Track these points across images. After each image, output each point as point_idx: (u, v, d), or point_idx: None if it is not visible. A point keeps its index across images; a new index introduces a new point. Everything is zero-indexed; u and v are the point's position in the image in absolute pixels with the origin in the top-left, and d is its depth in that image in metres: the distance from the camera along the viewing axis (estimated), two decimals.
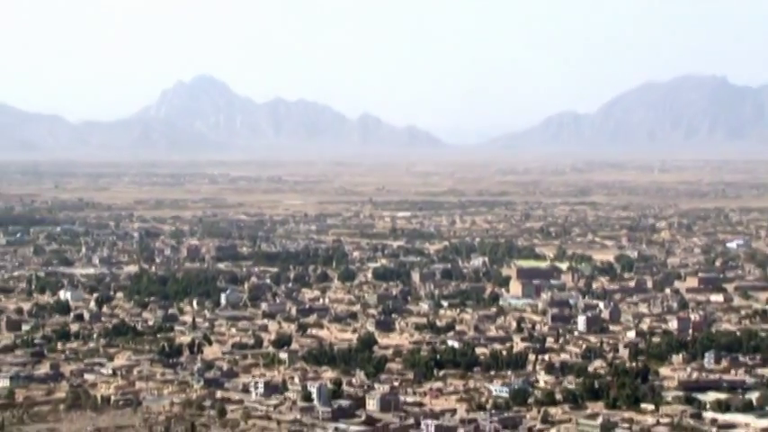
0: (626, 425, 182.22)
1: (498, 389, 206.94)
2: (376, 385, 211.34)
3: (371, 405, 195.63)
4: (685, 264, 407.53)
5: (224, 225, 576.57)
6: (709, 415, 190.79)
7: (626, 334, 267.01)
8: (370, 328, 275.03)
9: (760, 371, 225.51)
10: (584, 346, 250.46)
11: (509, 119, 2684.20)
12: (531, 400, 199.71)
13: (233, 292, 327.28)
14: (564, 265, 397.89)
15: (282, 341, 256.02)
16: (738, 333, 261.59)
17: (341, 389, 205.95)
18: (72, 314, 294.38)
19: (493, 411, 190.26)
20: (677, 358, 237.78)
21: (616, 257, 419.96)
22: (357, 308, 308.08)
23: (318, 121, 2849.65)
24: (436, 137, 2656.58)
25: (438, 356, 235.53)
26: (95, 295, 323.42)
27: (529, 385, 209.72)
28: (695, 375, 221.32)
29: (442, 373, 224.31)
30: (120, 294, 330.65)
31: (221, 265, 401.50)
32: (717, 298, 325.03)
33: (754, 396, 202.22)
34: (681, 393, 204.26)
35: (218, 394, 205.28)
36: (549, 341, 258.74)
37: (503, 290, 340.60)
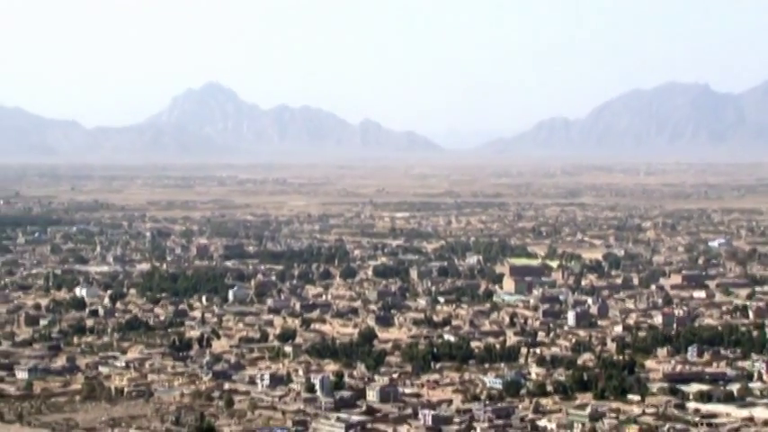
0: (613, 415, 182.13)
1: (492, 380, 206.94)
2: (376, 377, 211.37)
3: (372, 396, 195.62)
4: (670, 262, 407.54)
5: (231, 225, 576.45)
6: (692, 405, 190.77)
7: (613, 328, 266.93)
8: (371, 322, 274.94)
9: (740, 363, 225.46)
10: (573, 340, 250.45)
11: (502, 124, 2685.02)
12: (523, 392, 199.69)
13: (240, 289, 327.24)
14: (554, 263, 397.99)
15: (287, 335, 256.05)
16: (720, 328, 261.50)
17: (343, 381, 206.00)
18: (87, 310, 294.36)
19: (487, 402, 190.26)
20: (662, 351, 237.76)
21: (604, 256, 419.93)
22: (358, 304, 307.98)
23: (321, 126, 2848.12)
24: (433, 141, 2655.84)
25: (435, 350, 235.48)
26: (109, 292, 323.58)
27: (521, 377, 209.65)
28: (679, 368, 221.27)
29: (438, 365, 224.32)
30: (132, 291, 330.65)
31: (229, 263, 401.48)
32: (699, 294, 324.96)
33: (735, 387, 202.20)
34: (665, 385, 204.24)
35: (226, 386, 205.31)
36: (541, 335, 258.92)
37: (496, 286, 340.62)
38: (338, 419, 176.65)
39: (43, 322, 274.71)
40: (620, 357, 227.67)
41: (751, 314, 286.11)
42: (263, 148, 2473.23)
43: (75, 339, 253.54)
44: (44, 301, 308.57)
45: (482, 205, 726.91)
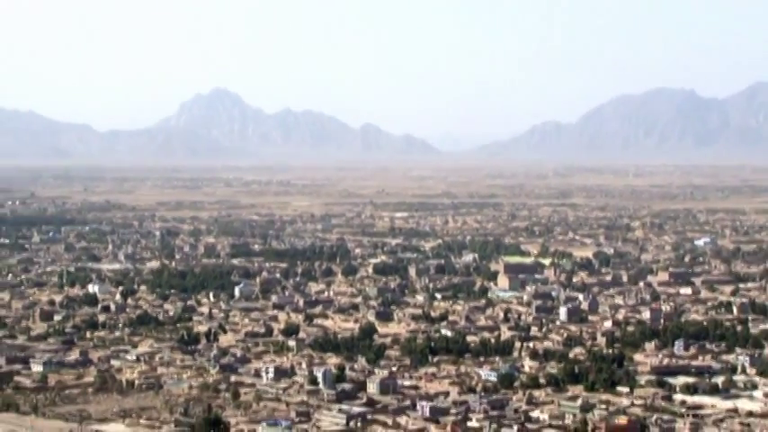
0: (603, 406, 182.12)
1: (487, 373, 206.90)
2: (376, 370, 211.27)
3: (372, 388, 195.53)
4: (657, 260, 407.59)
5: (238, 224, 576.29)
6: (678, 397, 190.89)
7: (603, 323, 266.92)
8: (371, 318, 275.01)
9: (725, 357, 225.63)
10: (565, 335, 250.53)
11: (497, 128, 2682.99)
12: (517, 384, 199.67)
13: (246, 286, 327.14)
14: (547, 261, 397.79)
15: (291, 330, 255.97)
16: (705, 323, 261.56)
17: (344, 373, 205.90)
18: (99, 306, 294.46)
19: (482, 394, 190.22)
20: (650, 345, 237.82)
21: (594, 254, 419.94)
22: (359, 300, 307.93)
23: (324, 130, 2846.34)
24: (431, 144, 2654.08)
25: (432, 344, 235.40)
26: (121, 288, 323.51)
27: (515, 370, 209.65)
28: (666, 361, 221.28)
29: (436, 359, 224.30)
30: (143, 288, 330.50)
31: (235, 261, 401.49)
32: (686, 291, 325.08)
33: (719, 380, 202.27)
34: (653, 377, 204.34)
35: (233, 378, 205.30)
36: (534, 330, 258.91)
37: (491, 283, 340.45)
38: (340, 411, 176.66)
39: (57, 317, 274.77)
40: (610, 351, 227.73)
41: (735, 310, 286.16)
42: (268, 151, 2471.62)
43: (88, 334, 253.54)
44: (58, 298, 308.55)
45: (477, 206, 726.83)
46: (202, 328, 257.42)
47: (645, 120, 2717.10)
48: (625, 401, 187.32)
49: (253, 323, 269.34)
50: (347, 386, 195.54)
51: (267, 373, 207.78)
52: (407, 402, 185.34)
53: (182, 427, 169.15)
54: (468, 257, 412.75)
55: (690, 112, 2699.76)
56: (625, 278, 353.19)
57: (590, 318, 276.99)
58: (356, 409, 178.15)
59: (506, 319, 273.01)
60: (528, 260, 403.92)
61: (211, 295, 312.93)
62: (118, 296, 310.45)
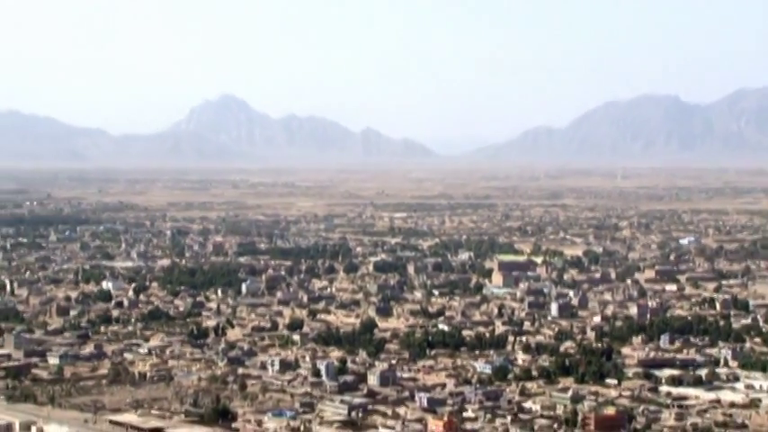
0: (592, 397, 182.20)
1: (482, 366, 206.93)
2: (376, 363, 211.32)
3: (372, 380, 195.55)
4: (644, 258, 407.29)
5: (244, 224, 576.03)
6: (664, 389, 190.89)
7: (592, 318, 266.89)
8: (371, 313, 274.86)
9: (708, 351, 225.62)
10: (556, 329, 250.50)
11: (492, 132, 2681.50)
12: (510, 376, 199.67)
13: (252, 283, 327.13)
14: (539, 259, 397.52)
15: (295, 325, 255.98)
16: (690, 318, 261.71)
17: (346, 366, 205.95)
18: (113, 301, 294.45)
19: (477, 385, 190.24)
20: (637, 339, 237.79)
21: (584, 252, 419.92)
22: (360, 296, 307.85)
23: (326, 134, 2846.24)
24: (429, 148, 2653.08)
25: (430, 338, 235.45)
26: (133, 285, 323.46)
27: (509, 363, 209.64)
28: (652, 354, 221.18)
29: (433, 352, 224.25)
30: (154, 284, 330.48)
31: (242, 259, 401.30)
32: (671, 287, 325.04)
33: (703, 372, 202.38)
34: (640, 370, 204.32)
35: (240, 371, 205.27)
36: (526, 325, 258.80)
37: (486, 280, 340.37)
38: (342, 401, 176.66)
39: (73, 313, 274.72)
40: (599, 345, 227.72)
41: (718, 305, 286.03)
42: (273, 154, 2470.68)
43: (102, 328, 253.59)
44: (74, 294, 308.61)
45: (473, 206, 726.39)
46: (211, 323, 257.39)
47: (632, 125, 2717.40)
48: (613, 393, 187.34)
49: (259, 318, 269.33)
50: (349, 378, 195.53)
51: (273, 365, 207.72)
52: (406, 394, 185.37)
53: (191, 417, 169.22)
54: (464, 256, 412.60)
55: (675, 118, 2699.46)
56: (613, 275, 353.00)
57: (580, 313, 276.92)
58: (357, 400, 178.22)
59: (500, 315, 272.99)
60: (521, 258, 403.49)
61: (219, 291, 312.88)
62: (130, 292, 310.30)
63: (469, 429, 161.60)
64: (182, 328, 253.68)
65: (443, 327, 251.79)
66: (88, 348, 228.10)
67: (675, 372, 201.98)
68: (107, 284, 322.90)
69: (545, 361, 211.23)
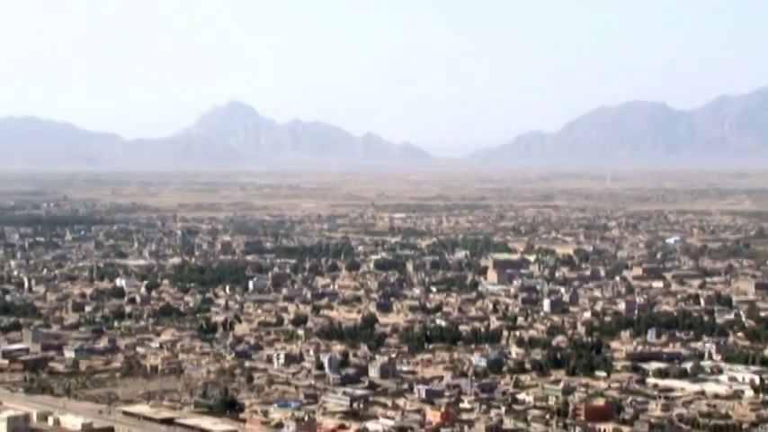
0: (583, 389, 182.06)
1: (478, 359, 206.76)
2: (377, 356, 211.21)
3: (373, 373, 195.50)
4: (632, 256, 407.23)
5: (251, 224, 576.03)
6: (651, 381, 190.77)
7: (583, 314, 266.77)
8: (372, 309, 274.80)
9: (693, 344, 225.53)
10: (548, 324, 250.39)
11: (487, 137, 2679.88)
12: (504, 369, 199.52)
13: (259, 280, 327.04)
14: (532, 258, 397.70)
15: (299, 320, 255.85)
16: (675, 313, 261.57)
17: (348, 359, 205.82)
18: (126, 298, 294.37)
19: (473, 378, 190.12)
20: (625, 334, 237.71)
21: (575, 251, 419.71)
22: (361, 293, 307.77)
23: (329, 138, 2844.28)
24: (427, 152, 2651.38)
25: (428, 333, 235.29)
26: (145, 282, 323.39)
27: (503, 356, 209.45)
28: (640, 348, 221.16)
29: (431, 346, 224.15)
30: (165, 281, 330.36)
31: (249, 258, 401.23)
32: (658, 284, 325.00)
33: (688, 365, 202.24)
34: (628, 363, 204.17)
35: (247, 364, 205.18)
36: (520, 320, 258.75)
37: (481, 278, 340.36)
38: (344, 393, 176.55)
39: (88, 308, 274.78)
40: (589, 339, 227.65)
41: (702, 302, 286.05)
42: (279, 158, 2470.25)
43: (116, 323, 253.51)
44: (89, 290, 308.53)
45: (469, 207, 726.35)
46: (219, 318, 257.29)
47: (620, 129, 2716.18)
48: (603, 385, 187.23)
49: (265, 314, 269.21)
50: (351, 371, 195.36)
51: (278, 359, 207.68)
52: (405, 386, 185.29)
53: (201, 408, 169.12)
54: (461, 254, 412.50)
55: (661, 123, 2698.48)
56: (603, 273, 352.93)
57: (571, 309, 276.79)
58: (359, 392, 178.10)
59: (495, 310, 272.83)
60: (515, 257, 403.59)
61: (227, 288, 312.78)
62: (143, 289, 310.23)
63: (465, 420, 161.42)
64: (191, 323, 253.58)
65: (441, 322, 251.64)
66: (102, 342, 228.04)
67: (662, 365, 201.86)
68: (120, 282, 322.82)
69: (538, 354, 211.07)
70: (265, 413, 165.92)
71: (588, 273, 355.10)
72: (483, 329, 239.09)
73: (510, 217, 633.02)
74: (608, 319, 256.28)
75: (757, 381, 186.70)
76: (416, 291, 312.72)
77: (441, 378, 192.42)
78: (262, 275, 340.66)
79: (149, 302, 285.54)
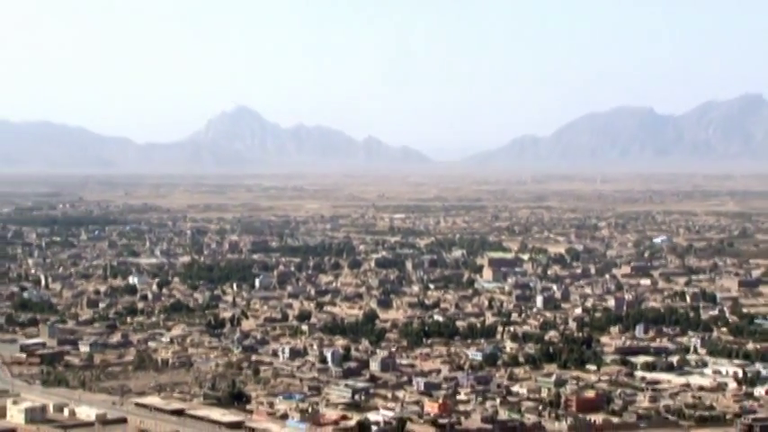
0: (574, 381, 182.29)
1: (474, 353, 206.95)
2: (377, 350, 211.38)
3: (374, 366, 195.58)
4: (621, 255, 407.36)
5: (258, 224, 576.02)
6: (639, 374, 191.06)
7: (574, 310, 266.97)
8: (373, 305, 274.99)
9: (679, 339, 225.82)
10: (541, 320, 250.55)
11: (483, 140, 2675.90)
12: (499, 362, 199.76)
13: (265, 277, 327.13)
14: (525, 256, 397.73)
15: (304, 316, 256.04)
16: (662, 309, 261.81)
17: (350, 353, 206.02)
18: (138, 295, 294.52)
19: (469, 371, 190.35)
20: (614, 329, 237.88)
21: (566, 250, 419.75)
22: (362, 290, 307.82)
23: (332, 142, 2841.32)
24: (425, 155, 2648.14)
25: (426, 328, 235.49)
26: (157, 280, 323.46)
27: (498, 350, 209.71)
28: (628, 343, 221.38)
29: (429, 341, 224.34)
30: (176, 279, 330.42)
31: (255, 256, 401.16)
32: (645, 282, 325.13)
33: (674, 359, 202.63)
34: (617, 357, 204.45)
35: (253, 357, 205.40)
36: (514, 316, 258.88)
37: (477, 275, 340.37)
38: (346, 386, 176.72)
39: (102, 305, 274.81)
40: (580, 334, 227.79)
41: (688, 298, 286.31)
42: (284, 161, 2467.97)
43: (129, 319, 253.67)
44: (103, 288, 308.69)
45: (465, 208, 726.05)
46: (227, 314, 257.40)
47: (610, 134, 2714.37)
48: (593, 377, 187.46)
49: (271, 310, 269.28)
50: (352, 364, 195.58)
51: (283, 353, 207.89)
52: (405, 378, 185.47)
53: (209, 400, 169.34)
54: (458, 253, 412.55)
55: (649, 127, 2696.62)
56: (593, 271, 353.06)
57: (563, 305, 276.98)
58: (360, 385, 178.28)
59: (490, 307, 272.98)
60: (509, 255, 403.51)
61: (235, 286, 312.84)
62: (154, 286, 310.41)
63: (462, 411, 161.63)
64: (200, 318, 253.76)
65: (438, 317, 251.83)
66: (116, 337, 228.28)
67: (649, 358, 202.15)
68: (133, 279, 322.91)
69: (531, 349, 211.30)
70: (271, 404, 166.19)
71: (579, 271, 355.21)
72: (479, 325, 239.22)
73: (504, 217, 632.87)
74: (598, 315, 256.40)
75: (740, 374, 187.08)
76: (415, 288, 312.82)
77: (438, 371, 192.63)
78: (268, 273, 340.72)
79: (160, 299, 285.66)
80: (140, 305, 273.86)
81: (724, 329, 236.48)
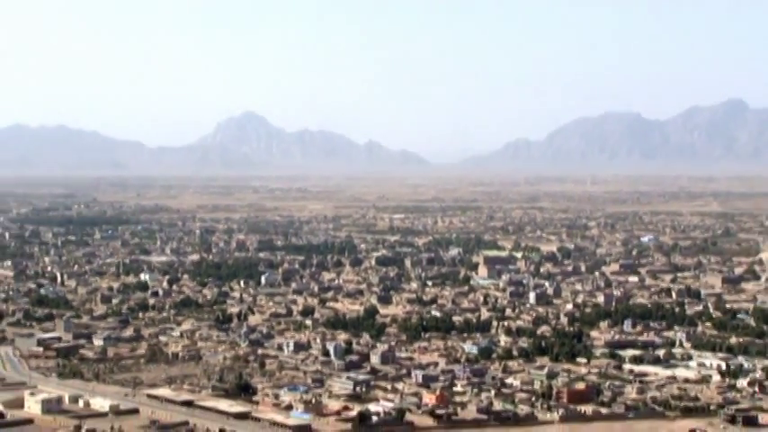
0: (565, 374, 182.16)
1: (469, 347, 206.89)
2: (378, 344, 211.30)
3: (374, 359, 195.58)
4: (610, 253, 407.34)
5: (264, 224, 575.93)
6: (627, 366, 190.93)
7: (565, 306, 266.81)
8: (374, 301, 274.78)
9: (665, 333, 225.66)
10: (534, 315, 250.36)
11: (478, 144, 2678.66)
12: (494, 356, 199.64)
13: (270, 275, 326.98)
14: (519, 254, 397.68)
15: (307, 311, 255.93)
16: (649, 305, 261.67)
17: (351, 347, 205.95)
18: (150, 291, 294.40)
19: (465, 364, 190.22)
20: (604, 324, 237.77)
21: (558, 248, 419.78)
22: (363, 286, 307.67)
23: (335, 146, 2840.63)
24: (423, 158, 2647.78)
25: (424, 323, 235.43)
26: (167, 277, 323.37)
27: (492, 344, 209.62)
28: (617, 337, 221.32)
29: (427, 335, 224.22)
30: (185, 276, 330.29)
31: (261, 254, 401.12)
32: (633, 279, 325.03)
33: (661, 352, 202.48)
34: (606, 350, 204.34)
35: (260, 351, 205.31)
36: (508, 311, 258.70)
37: (473, 273, 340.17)
38: (348, 378, 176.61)
39: (115, 301, 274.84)
40: (571, 328, 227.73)
41: (674, 294, 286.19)
42: (289, 164, 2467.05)
43: (140, 314, 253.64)
44: (116, 284, 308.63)
45: (462, 209, 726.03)
46: (234, 310, 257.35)
47: (599, 138, 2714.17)
48: (583, 370, 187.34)
49: (276, 305, 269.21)
50: (354, 358, 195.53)
51: (288, 346, 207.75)
52: (404, 371, 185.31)
53: (217, 392, 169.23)
54: (454, 251, 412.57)
55: (636, 132, 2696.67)
56: (583, 268, 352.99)
57: (554, 301, 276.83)
58: (361, 377, 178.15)
59: (485, 303, 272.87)
60: (503, 254, 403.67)
61: (242, 282, 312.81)
62: (165, 283, 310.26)
63: (458, 402, 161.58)
64: (209, 314, 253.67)
65: (436, 313, 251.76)
66: (128, 332, 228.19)
67: (637, 352, 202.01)
68: (144, 276, 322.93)
69: (524, 343, 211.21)
70: (276, 396, 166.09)
71: (570, 268, 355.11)
72: (474, 320, 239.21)
73: (499, 217, 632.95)
74: (588, 310, 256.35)
75: (723, 366, 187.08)
76: (414, 285, 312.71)
77: (436, 364, 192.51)
78: (273, 271, 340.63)
79: (171, 295, 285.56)
80: (152, 301, 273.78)
81: (708, 324, 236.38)
